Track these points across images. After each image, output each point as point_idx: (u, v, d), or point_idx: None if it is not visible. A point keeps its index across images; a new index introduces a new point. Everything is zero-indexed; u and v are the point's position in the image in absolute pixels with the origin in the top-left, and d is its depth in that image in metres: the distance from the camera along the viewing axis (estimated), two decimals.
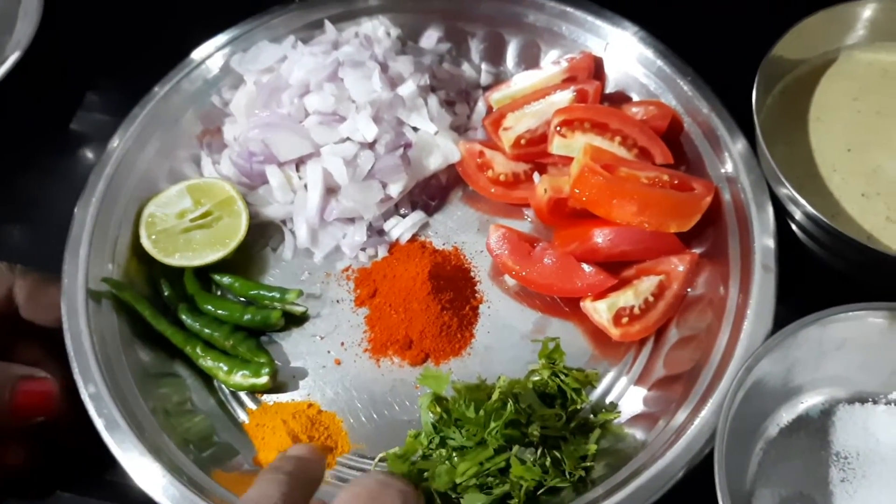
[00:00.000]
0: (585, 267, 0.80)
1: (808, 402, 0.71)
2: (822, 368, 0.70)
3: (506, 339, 0.82)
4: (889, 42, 0.84)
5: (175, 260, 0.83)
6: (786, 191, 0.73)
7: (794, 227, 0.77)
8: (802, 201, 0.71)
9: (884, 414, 0.69)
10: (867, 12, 0.82)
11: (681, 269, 0.79)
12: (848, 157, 0.79)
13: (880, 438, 0.68)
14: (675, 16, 0.88)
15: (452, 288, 0.83)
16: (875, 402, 0.70)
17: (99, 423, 0.72)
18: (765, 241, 0.75)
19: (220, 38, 0.94)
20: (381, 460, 0.73)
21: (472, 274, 0.86)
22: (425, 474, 0.68)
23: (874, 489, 0.66)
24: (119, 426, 0.71)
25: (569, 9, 0.91)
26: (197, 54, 0.93)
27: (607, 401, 0.77)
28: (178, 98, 0.91)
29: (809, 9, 0.81)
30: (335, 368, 0.81)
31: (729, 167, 0.80)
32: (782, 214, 0.77)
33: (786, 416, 0.71)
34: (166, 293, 0.83)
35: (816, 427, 0.70)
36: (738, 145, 0.80)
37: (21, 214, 0.97)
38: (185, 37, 0.94)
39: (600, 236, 0.79)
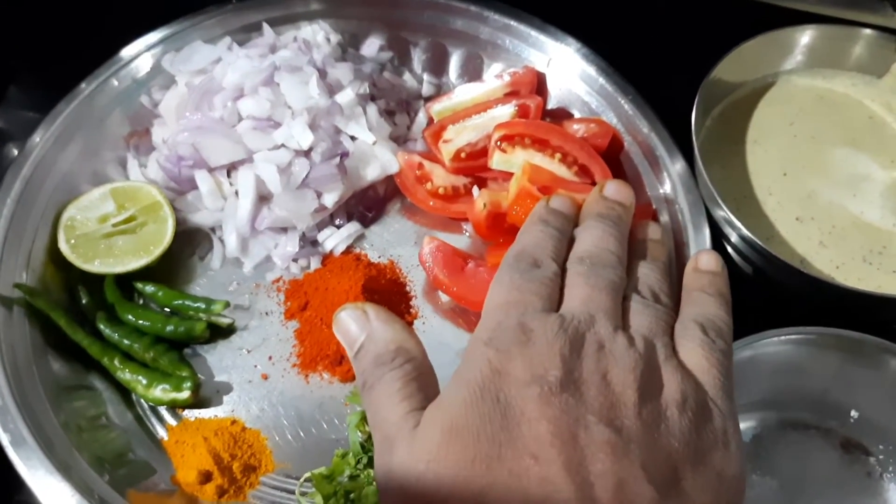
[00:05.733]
0: None
1: (740, 426, 0.71)
2: (753, 392, 0.70)
3: (441, 357, 0.77)
4: (825, 69, 0.85)
5: (95, 266, 0.79)
6: (722, 213, 0.73)
7: (729, 249, 0.77)
8: (738, 223, 0.71)
9: (814, 438, 0.70)
10: (805, 38, 0.83)
11: None
12: (784, 180, 0.79)
13: (811, 463, 0.69)
14: (617, 34, 0.88)
15: (387, 302, 0.81)
16: (806, 427, 0.71)
17: (4, 439, 0.67)
18: None
19: (152, 37, 0.90)
20: (306, 480, 0.70)
21: (407, 288, 0.84)
22: (352, 496, 0.65)
23: None
24: (26, 442, 0.67)
25: (512, 22, 0.90)
26: (126, 52, 0.89)
27: None
28: (104, 97, 0.87)
29: (749, 33, 0.81)
30: (262, 383, 0.78)
31: (667, 187, 0.80)
32: (718, 236, 0.77)
33: None
34: (84, 301, 0.79)
35: (747, 452, 0.70)
36: (677, 166, 0.80)
37: None
38: (115, 33, 0.90)
39: None
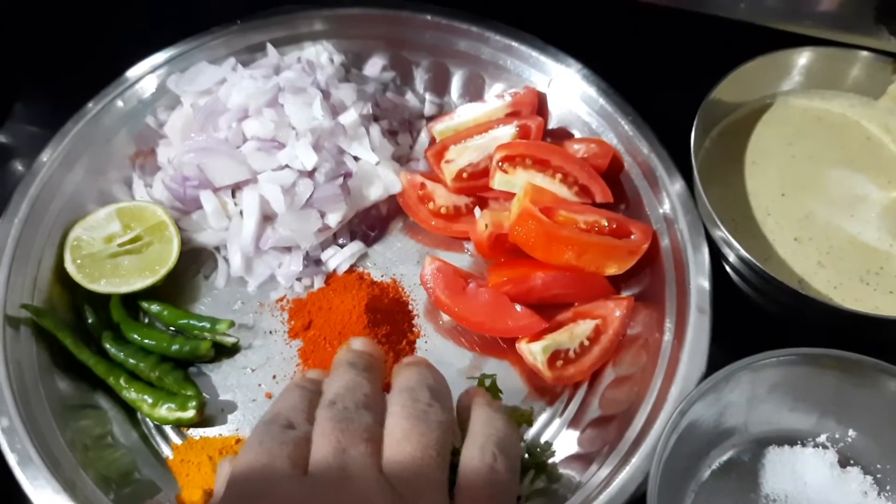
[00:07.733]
0: (518, 308, 0.80)
1: (740, 444, 0.72)
2: (752, 411, 0.70)
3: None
4: (823, 89, 0.86)
5: (101, 286, 0.80)
6: (720, 233, 0.73)
7: (728, 269, 0.78)
8: (736, 244, 0.71)
9: (811, 457, 0.70)
10: (803, 60, 0.84)
11: (617, 314, 0.79)
12: (782, 201, 0.80)
13: (808, 481, 0.69)
14: (618, 55, 0.89)
15: (389, 321, 0.81)
16: (803, 445, 0.71)
17: (11, 459, 0.68)
18: (700, 282, 0.75)
19: (158, 57, 0.91)
20: None
21: (409, 307, 0.84)
22: None
23: None
24: (32, 461, 0.68)
25: (514, 43, 0.91)
26: (132, 72, 0.90)
27: (542, 440, 0.77)
28: (110, 117, 0.88)
29: (748, 54, 0.82)
30: (266, 402, 0.79)
31: (667, 207, 0.81)
32: (717, 256, 0.78)
33: (717, 458, 0.71)
34: (90, 321, 0.80)
35: (747, 469, 0.71)
36: (676, 186, 0.81)
37: None
38: (121, 54, 0.92)
39: (533, 279, 0.79)
